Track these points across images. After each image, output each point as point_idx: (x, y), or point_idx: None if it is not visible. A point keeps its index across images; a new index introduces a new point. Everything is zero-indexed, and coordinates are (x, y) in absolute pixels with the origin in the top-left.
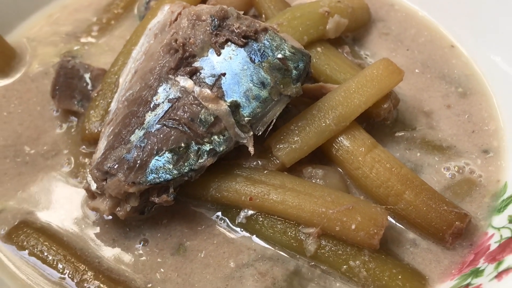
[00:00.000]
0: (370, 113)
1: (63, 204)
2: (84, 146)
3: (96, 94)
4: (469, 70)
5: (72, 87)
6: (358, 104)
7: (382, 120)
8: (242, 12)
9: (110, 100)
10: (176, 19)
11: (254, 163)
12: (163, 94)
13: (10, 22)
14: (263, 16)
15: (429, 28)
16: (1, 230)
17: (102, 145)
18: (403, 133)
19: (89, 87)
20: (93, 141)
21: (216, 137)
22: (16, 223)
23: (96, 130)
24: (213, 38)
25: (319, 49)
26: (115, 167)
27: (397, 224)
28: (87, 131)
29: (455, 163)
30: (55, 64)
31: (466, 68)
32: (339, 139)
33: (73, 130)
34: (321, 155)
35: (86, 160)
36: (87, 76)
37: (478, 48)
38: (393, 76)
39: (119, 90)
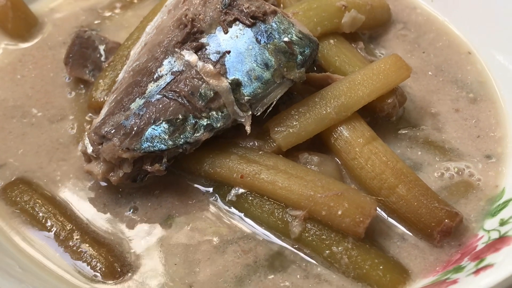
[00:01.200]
0: (374, 107)
1: (61, 166)
2: (90, 114)
3: (107, 65)
4: (483, 77)
5: (85, 57)
6: (362, 96)
7: (386, 116)
8: None
9: (119, 72)
10: None
11: (251, 144)
12: (167, 66)
13: None
14: (281, 5)
15: (448, 33)
16: None
17: (103, 111)
18: (406, 131)
19: (102, 58)
20: (98, 109)
21: (214, 112)
22: (13, 179)
23: (102, 99)
24: (222, 16)
25: (331, 41)
26: (112, 131)
27: (388, 218)
28: (93, 99)
29: (455, 165)
30: (72, 33)
31: (480, 75)
32: (339, 128)
33: (81, 97)
34: (320, 144)
35: (89, 127)
36: (101, 47)
37: (494, 56)
38: (400, 72)
39: (128, 62)
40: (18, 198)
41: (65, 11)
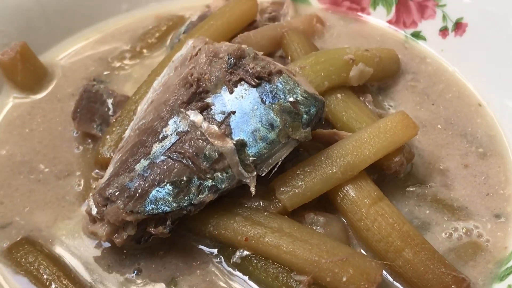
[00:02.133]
0: (381, 165)
1: (67, 225)
2: (97, 170)
3: (114, 120)
4: (493, 130)
5: (93, 111)
6: (368, 155)
7: (393, 173)
8: (262, 53)
9: (126, 127)
10: (196, 54)
11: (256, 204)
12: (173, 126)
13: (45, 43)
14: (289, 58)
15: (458, 84)
16: (3, 244)
17: (108, 171)
18: (414, 188)
19: (110, 112)
20: (105, 165)
21: (219, 173)
22: (18, 239)
23: (108, 155)
24: (227, 76)
25: (339, 95)
26: (116, 194)
27: (394, 282)
28: (100, 155)
29: (464, 225)
30: (80, 87)
31: (490, 128)
32: (345, 188)
33: (88, 152)
34: (326, 202)
35: (95, 185)
36: (109, 101)
37: (504, 109)
38: (408, 130)
39: (134, 118)
40: (23, 259)
41: (75, 61)
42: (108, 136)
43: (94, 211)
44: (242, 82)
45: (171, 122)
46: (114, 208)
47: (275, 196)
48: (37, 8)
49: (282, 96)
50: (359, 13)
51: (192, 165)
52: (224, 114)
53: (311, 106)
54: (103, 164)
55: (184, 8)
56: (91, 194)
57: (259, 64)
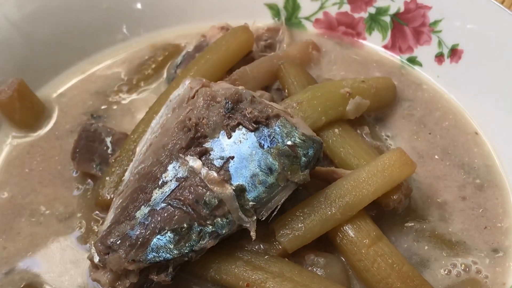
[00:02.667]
0: (380, 202)
1: (69, 270)
2: (97, 212)
3: (113, 160)
4: (490, 160)
5: (92, 150)
6: (367, 194)
7: (392, 210)
8: (259, 94)
9: (126, 168)
10: (193, 96)
11: (257, 247)
12: (172, 172)
13: (42, 78)
14: (286, 90)
15: (454, 112)
16: None
17: (109, 217)
18: (413, 224)
19: (109, 150)
20: (106, 207)
21: (219, 219)
22: (22, 285)
23: (109, 197)
24: (225, 121)
25: (336, 130)
26: (118, 243)
27: None
28: (100, 197)
29: (463, 261)
30: (79, 125)
31: (487, 158)
32: (344, 228)
33: (89, 193)
34: (327, 240)
35: (96, 227)
36: (108, 139)
37: (500, 137)
38: (405, 168)
39: (133, 160)
40: None
41: (72, 96)
42: (107, 178)
43: (96, 259)
44: (240, 127)
45: (170, 167)
46: (116, 257)
47: (275, 238)
48: (31, 44)
49: (280, 140)
50: (355, 38)
51: (192, 212)
52: (223, 159)
53: (309, 148)
54: (103, 206)
55: (179, 36)
56: (93, 241)
57: (256, 108)
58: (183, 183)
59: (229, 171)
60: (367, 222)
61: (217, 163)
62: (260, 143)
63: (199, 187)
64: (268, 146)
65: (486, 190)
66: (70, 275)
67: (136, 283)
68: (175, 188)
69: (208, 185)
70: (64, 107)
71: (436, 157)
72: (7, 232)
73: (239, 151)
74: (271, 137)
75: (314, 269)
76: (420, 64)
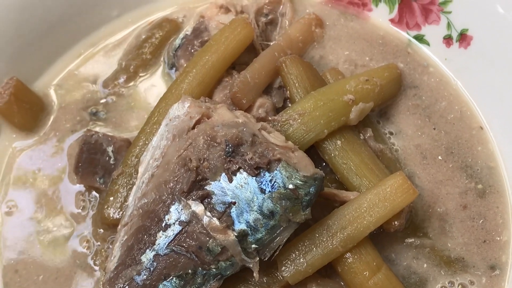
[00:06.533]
0: (381, 225)
1: None
2: (101, 230)
3: (116, 176)
4: (493, 161)
5: (94, 163)
6: (368, 225)
7: (393, 232)
8: (258, 104)
9: (130, 186)
10: (193, 127)
11: (259, 280)
12: (175, 215)
13: (37, 69)
14: (288, 91)
15: (460, 103)
16: None
17: (116, 253)
18: (413, 240)
19: (112, 160)
20: (111, 226)
21: (222, 263)
22: None
23: (113, 217)
24: (226, 165)
25: (338, 142)
26: None
27: None
28: (104, 218)
29: (460, 280)
30: (79, 138)
31: (491, 159)
32: (345, 257)
33: (94, 208)
34: (328, 266)
35: (103, 250)
36: (109, 149)
37: (506, 133)
38: (406, 196)
39: (136, 185)
40: None
41: (70, 87)
42: (111, 198)
43: None
44: (241, 171)
45: (173, 209)
46: None
47: (277, 270)
48: (21, 33)
49: (281, 185)
50: (361, 9)
51: (196, 259)
52: (225, 204)
53: (310, 187)
54: (109, 224)
55: (175, 10)
56: (101, 282)
57: (257, 151)
58: (186, 227)
59: (231, 216)
60: (368, 250)
61: (219, 207)
62: (261, 188)
63: (202, 234)
64: (269, 190)
65: (487, 196)
66: None
67: None
68: (178, 233)
69: (211, 232)
70: (62, 102)
71: (439, 158)
72: (17, 253)
73: (241, 196)
74: (273, 182)
75: None
76: (427, 43)
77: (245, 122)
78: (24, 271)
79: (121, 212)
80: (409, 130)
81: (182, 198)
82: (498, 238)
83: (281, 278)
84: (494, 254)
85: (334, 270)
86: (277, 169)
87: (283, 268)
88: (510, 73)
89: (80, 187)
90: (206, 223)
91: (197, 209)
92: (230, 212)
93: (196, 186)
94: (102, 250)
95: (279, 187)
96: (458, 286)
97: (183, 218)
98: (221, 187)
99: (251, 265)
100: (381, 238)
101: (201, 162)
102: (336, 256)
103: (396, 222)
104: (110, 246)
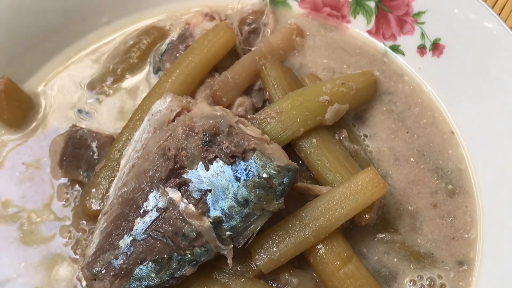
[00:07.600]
0: (352, 218)
1: (60, 283)
2: (84, 221)
3: (99, 170)
4: (463, 164)
5: (78, 157)
6: (339, 217)
7: (365, 225)
8: (238, 102)
9: (111, 179)
10: (173, 119)
11: (234, 269)
12: (153, 201)
13: (28, 69)
14: (267, 93)
15: (433, 109)
16: None
17: (95, 240)
18: (384, 235)
19: (95, 155)
20: (93, 217)
21: (197, 249)
22: None
23: (94, 208)
24: (203, 153)
25: (314, 140)
26: (103, 272)
27: None
28: (86, 209)
29: (429, 274)
30: (64, 133)
31: (461, 161)
32: (317, 248)
33: (77, 200)
34: (301, 257)
35: (83, 240)
36: (94, 144)
37: (475, 137)
38: (377, 190)
39: (118, 176)
40: None
41: (59, 88)
42: (93, 190)
43: (84, 283)
44: (218, 159)
45: (151, 196)
46: (101, 286)
47: (251, 259)
48: (13, 36)
49: (255, 173)
50: (340, 21)
51: (172, 244)
52: (201, 191)
53: (284, 177)
54: (91, 216)
55: (162, 19)
56: (79, 266)
57: (233, 142)
58: (163, 214)
59: (207, 203)
60: (339, 242)
61: (196, 195)
62: (236, 177)
63: (178, 220)
64: (244, 179)
65: (457, 196)
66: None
67: None
68: (155, 219)
69: (187, 218)
70: (50, 102)
71: (411, 159)
72: (1, 241)
73: (216, 184)
74: (247, 171)
75: None
76: (402, 53)
77: (223, 114)
78: (7, 258)
79: (102, 203)
80: (383, 133)
81: (160, 186)
82: (467, 236)
83: (255, 266)
84: (462, 251)
85: (307, 262)
86: (252, 158)
87: (257, 256)
88: (480, 80)
89: (63, 180)
90: (183, 209)
91: (174, 196)
92: (206, 199)
93: (174, 174)
94: (83, 240)
95: (254, 175)
96: (426, 280)
97: (160, 204)
98: (198, 175)
99: (225, 252)
100: (354, 233)
101: (179, 151)
102: (309, 246)
103: (366, 216)
104: (90, 236)
